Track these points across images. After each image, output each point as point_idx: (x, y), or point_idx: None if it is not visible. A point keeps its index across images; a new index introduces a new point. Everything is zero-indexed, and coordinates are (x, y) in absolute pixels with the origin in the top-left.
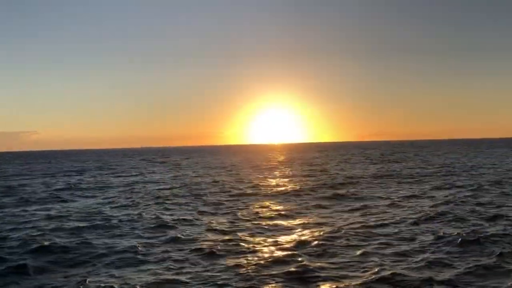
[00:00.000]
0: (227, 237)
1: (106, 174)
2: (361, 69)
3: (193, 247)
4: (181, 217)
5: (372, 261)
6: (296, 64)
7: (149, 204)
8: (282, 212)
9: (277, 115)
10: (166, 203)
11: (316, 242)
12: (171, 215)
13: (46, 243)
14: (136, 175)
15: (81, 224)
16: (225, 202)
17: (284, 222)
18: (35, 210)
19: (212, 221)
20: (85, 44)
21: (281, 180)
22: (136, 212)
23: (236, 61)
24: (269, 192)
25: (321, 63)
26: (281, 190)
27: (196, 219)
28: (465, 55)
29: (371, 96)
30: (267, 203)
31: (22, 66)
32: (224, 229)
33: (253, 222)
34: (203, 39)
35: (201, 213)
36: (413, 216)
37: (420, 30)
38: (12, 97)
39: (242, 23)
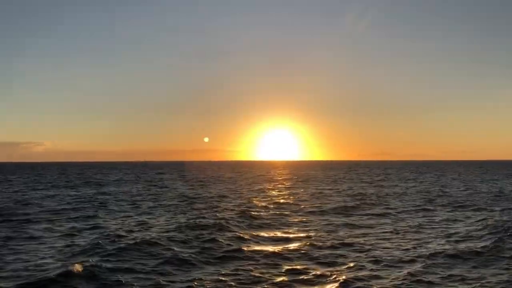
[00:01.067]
0: None
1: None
2: (363, 87)
3: None
4: None
5: None
6: (297, 83)
7: None
8: None
9: (279, 134)
10: None
11: None
12: None
13: None
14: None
15: None
16: None
17: None
18: None
19: None
20: (93, 53)
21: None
22: None
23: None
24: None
25: (321, 79)
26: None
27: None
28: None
29: (372, 115)
30: None
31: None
32: None
33: None
34: (206, 49)
35: None
36: None
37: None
38: (15, 107)
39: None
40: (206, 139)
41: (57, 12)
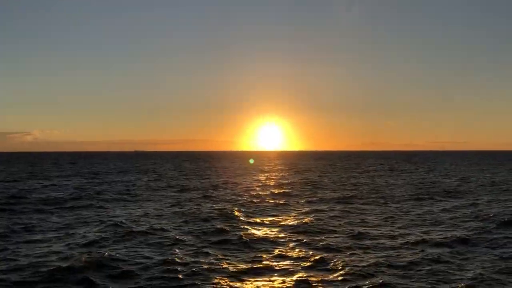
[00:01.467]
0: None
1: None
2: (356, 79)
3: None
4: None
5: None
6: (291, 75)
7: None
8: None
9: (273, 124)
10: None
11: None
12: None
13: None
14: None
15: None
16: None
17: None
18: None
19: None
20: (83, 45)
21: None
22: None
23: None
24: None
25: (314, 71)
26: None
27: None
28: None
29: (362, 106)
30: None
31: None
32: None
33: None
34: (203, 43)
35: None
36: None
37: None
38: (4, 96)
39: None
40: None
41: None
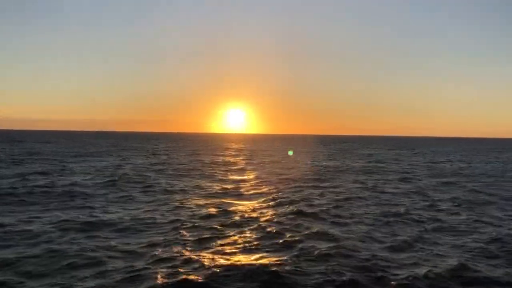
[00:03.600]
0: None
1: None
2: (320, 69)
3: None
4: None
5: None
6: (259, 63)
7: None
8: None
9: (239, 108)
10: None
11: None
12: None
13: None
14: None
15: None
16: None
17: None
18: None
19: None
20: (45, 20)
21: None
22: None
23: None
24: None
25: (283, 63)
26: None
27: None
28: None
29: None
30: None
31: None
32: None
33: None
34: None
35: None
36: None
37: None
38: None
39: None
40: (290, 153)
41: None
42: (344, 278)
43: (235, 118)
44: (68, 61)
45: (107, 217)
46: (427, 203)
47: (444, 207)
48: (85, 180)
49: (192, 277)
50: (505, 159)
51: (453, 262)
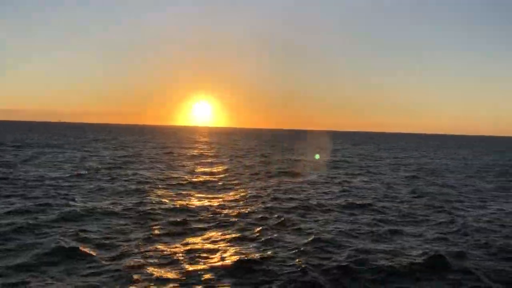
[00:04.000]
0: None
1: None
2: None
3: None
4: None
5: None
6: (223, 59)
7: None
8: None
9: (203, 102)
10: None
11: None
12: None
13: None
14: None
15: None
16: None
17: None
18: None
19: None
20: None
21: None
22: None
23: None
24: None
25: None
26: None
27: None
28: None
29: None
30: None
31: None
32: None
33: None
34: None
35: None
36: None
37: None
38: None
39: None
40: (317, 157)
41: None
42: (313, 268)
43: (201, 111)
44: (30, 50)
45: (70, 208)
46: (390, 195)
47: (406, 199)
48: (51, 172)
49: (154, 269)
50: (465, 155)
51: (417, 252)
